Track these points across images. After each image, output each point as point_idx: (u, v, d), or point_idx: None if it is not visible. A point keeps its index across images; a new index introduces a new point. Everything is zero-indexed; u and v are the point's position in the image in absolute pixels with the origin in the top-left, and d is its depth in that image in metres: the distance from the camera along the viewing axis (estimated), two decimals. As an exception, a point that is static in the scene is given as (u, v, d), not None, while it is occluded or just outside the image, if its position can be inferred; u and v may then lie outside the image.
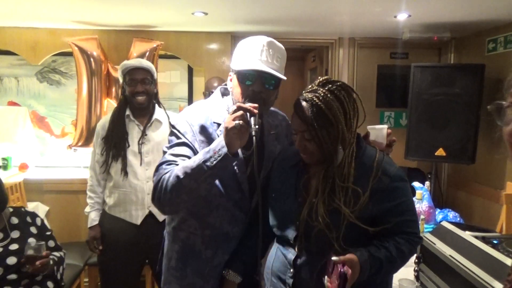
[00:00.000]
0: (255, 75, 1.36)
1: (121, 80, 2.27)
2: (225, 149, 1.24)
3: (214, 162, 1.26)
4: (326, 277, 1.26)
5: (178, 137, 1.41)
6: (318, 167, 1.39)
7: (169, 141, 1.43)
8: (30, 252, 1.88)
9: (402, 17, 2.88)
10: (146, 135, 2.23)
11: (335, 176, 1.30)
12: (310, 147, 1.32)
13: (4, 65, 3.47)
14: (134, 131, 2.25)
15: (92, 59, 3.15)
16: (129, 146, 2.22)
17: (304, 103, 1.30)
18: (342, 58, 3.71)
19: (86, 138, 3.20)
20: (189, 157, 1.36)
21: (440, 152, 3.04)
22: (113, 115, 2.28)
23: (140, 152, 2.22)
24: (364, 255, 1.24)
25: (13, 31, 3.34)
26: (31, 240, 1.96)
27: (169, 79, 3.54)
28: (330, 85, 1.30)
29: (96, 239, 2.27)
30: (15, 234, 1.98)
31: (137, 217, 2.23)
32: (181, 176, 1.28)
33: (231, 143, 1.26)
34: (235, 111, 1.26)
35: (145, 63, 2.26)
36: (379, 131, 1.51)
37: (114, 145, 2.21)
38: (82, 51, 3.13)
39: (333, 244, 1.26)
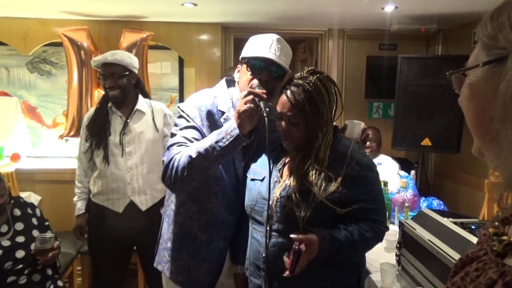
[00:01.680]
0: (263, 65, 1.45)
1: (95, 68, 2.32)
2: (237, 131, 1.32)
3: (226, 143, 1.33)
4: (285, 254, 1.33)
5: (187, 121, 1.48)
6: (295, 151, 1.46)
7: (177, 124, 1.50)
8: (41, 245, 1.93)
9: (389, 8, 2.92)
10: (127, 125, 2.27)
11: (311, 158, 1.38)
12: (295, 132, 1.39)
13: (-6, 56, 3.46)
14: (116, 121, 2.29)
15: (82, 50, 3.15)
16: (110, 134, 2.25)
17: (295, 88, 1.36)
18: (332, 49, 3.74)
19: (77, 128, 3.21)
20: (198, 140, 1.44)
21: (426, 142, 3.10)
22: (97, 105, 2.34)
23: (121, 143, 2.25)
24: (324, 234, 1.33)
25: (3, 21, 3.32)
26: (40, 234, 2.01)
27: (160, 70, 3.55)
28: (318, 75, 1.38)
29: (82, 227, 2.32)
30: (19, 226, 2.01)
31: (119, 206, 2.29)
32: (194, 156, 1.36)
33: (242, 125, 1.33)
34: (246, 96, 1.35)
35: (112, 57, 2.21)
36: (355, 126, 1.60)
37: (96, 134, 2.25)
38: (72, 41, 3.14)
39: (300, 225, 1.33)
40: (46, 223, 2.20)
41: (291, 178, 1.40)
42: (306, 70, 1.42)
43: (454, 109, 3.02)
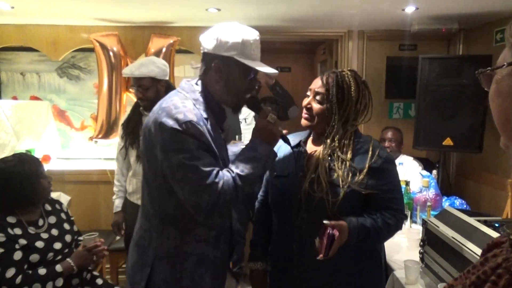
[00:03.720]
0: (255, 74, 1.42)
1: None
2: (274, 153, 1.42)
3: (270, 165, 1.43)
4: (317, 238, 1.40)
5: (200, 142, 1.27)
6: (317, 146, 1.57)
7: (187, 150, 1.24)
8: (90, 244, 2.05)
9: (410, 10, 2.94)
10: None
11: (336, 149, 1.48)
12: (315, 108, 1.53)
13: (26, 61, 3.62)
14: None
15: (112, 54, 3.28)
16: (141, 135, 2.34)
17: (331, 73, 1.52)
18: (352, 50, 3.77)
19: (106, 130, 3.34)
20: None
21: (448, 141, 3.11)
22: (131, 109, 2.46)
23: None
24: (354, 222, 1.42)
25: (34, 28, 3.47)
26: (86, 234, 2.12)
27: (183, 73, 3.65)
28: (356, 75, 1.54)
29: (119, 224, 2.42)
30: (51, 219, 2.12)
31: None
32: (247, 188, 1.34)
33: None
34: (274, 119, 1.39)
35: (138, 70, 2.27)
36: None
37: (130, 133, 2.35)
38: (103, 46, 3.26)
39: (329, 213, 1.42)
40: (72, 218, 2.32)
41: (317, 171, 1.48)
42: (348, 69, 1.57)
43: (476, 108, 3.03)
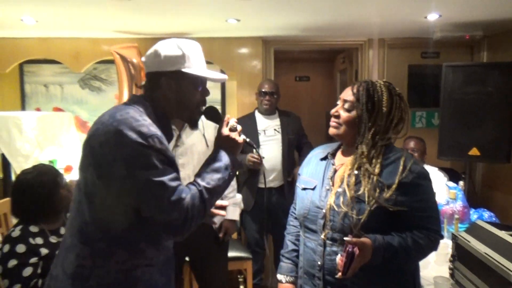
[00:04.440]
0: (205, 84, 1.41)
1: None
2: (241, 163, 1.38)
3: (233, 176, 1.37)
4: (339, 255, 1.34)
5: (165, 157, 1.21)
6: (346, 153, 1.52)
7: (154, 166, 1.17)
8: None
9: (432, 17, 2.89)
10: (180, 138, 2.35)
11: (363, 163, 1.41)
12: (343, 116, 1.48)
13: (49, 73, 3.70)
14: None
15: (132, 66, 3.31)
16: None
17: (362, 83, 1.47)
18: (372, 59, 3.73)
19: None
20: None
21: (474, 151, 3.01)
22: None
23: (174, 155, 2.32)
24: (379, 240, 1.34)
25: (57, 41, 3.55)
26: None
27: (203, 83, 3.66)
28: (390, 85, 1.48)
29: None
30: None
31: None
32: (211, 199, 1.29)
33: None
34: (234, 127, 1.37)
35: None
36: None
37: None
38: (123, 58, 3.30)
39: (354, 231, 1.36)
40: None
41: (344, 185, 1.43)
42: (383, 80, 1.51)
43: (503, 116, 2.93)
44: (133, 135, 1.15)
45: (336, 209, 1.41)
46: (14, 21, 2.93)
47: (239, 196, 2.52)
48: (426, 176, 1.44)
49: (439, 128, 3.20)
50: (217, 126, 2.42)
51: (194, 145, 2.33)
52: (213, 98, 3.69)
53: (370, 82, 1.47)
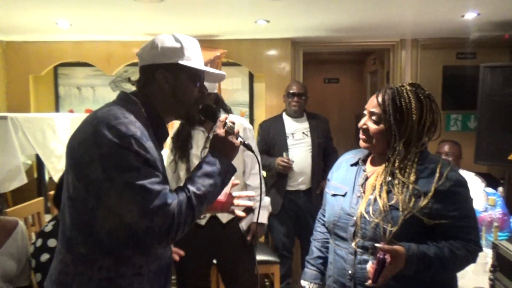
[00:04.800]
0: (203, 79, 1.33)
1: None
2: (234, 168, 1.27)
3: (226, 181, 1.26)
4: (370, 262, 1.30)
5: (146, 159, 1.11)
6: (377, 162, 1.46)
7: (133, 168, 1.07)
8: None
9: (470, 16, 2.77)
10: (209, 139, 2.34)
11: (397, 172, 1.36)
12: (372, 129, 1.42)
13: (82, 76, 3.79)
14: (199, 136, 2.36)
15: (161, 69, 3.35)
16: (191, 148, 2.32)
17: (387, 90, 1.41)
18: (405, 60, 3.62)
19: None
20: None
21: (514, 156, 2.87)
22: (181, 122, 2.42)
23: (202, 157, 2.32)
24: (413, 249, 1.28)
25: (89, 44, 3.64)
26: None
27: (231, 85, 3.66)
28: (417, 88, 1.40)
29: None
30: None
31: (202, 218, 2.32)
32: (201, 207, 1.19)
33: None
34: (232, 128, 1.25)
35: None
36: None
37: (179, 147, 2.34)
38: (153, 61, 3.34)
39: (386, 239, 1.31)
40: None
41: (376, 192, 1.38)
42: (409, 82, 1.44)
43: (546, 120, 2.78)
44: (109, 135, 1.07)
45: (367, 217, 1.37)
46: (49, 25, 3.02)
47: (267, 199, 2.49)
48: (463, 184, 1.37)
49: (476, 132, 3.06)
50: (245, 127, 2.44)
51: None
52: (241, 100, 3.68)
53: (395, 90, 1.39)
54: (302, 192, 3.05)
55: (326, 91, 5.48)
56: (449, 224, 1.31)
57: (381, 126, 1.39)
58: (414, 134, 1.37)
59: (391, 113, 1.36)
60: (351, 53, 5.10)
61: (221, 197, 1.42)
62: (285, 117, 3.17)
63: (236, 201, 1.49)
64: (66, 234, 1.18)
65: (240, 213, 1.50)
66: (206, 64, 3.23)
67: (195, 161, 2.32)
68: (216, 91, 2.29)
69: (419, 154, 1.39)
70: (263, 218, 2.44)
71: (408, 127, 1.36)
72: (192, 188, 1.16)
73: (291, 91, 3.10)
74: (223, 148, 1.24)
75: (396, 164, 1.37)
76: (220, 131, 1.25)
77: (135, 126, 1.11)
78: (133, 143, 1.08)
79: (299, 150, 3.06)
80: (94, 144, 1.08)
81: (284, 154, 2.94)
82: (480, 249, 1.39)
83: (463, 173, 2.98)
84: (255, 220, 2.39)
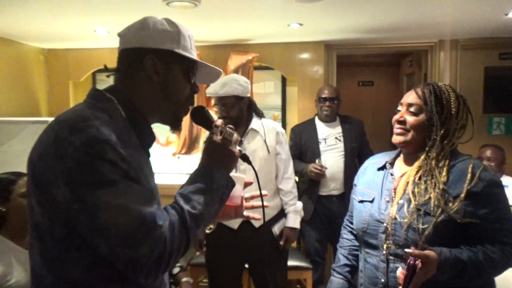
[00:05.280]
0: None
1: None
2: (232, 181, 1.06)
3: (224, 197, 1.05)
4: (400, 268, 1.27)
5: (125, 170, 0.87)
6: (407, 166, 1.43)
7: (108, 183, 0.84)
8: None
9: (515, 14, 2.64)
10: (242, 144, 2.33)
11: (432, 169, 1.33)
12: (410, 121, 1.39)
13: (119, 82, 3.90)
14: None
15: (194, 74, 3.39)
16: None
17: (427, 86, 1.41)
18: (443, 61, 3.49)
19: (188, 146, 3.45)
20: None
21: None
22: None
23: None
24: (445, 253, 1.25)
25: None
26: None
27: (263, 89, 3.66)
28: (454, 89, 1.41)
29: (200, 241, 2.42)
30: None
31: (235, 222, 2.32)
32: (196, 230, 0.96)
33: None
34: (231, 135, 1.06)
35: (222, 90, 2.24)
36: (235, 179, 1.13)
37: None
38: (186, 66, 3.39)
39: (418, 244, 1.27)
40: None
41: (407, 194, 1.34)
42: (443, 83, 1.45)
43: None
44: (76, 141, 0.84)
45: (399, 219, 1.33)
46: (88, 33, 3.12)
47: (299, 204, 2.46)
48: (498, 184, 1.33)
49: (522, 136, 2.90)
50: (278, 131, 2.42)
51: (256, 151, 2.32)
52: (274, 104, 3.66)
53: (435, 84, 1.40)
54: (335, 197, 3.01)
55: (360, 94, 5.37)
56: (484, 226, 1.28)
57: (421, 117, 1.37)
58: (451, 130, 1.35)
59: (433, 104, 1.35)
60: (386, 55, 4.98)
61: (235, 201, 1.25)
62: (318, 121, 3.13)
63: (250, 203, 1.32)
64: (35, 271, 0.95)
65: (255, 215, 1.32)
66: (237, 69, 3.28)
67: None
68: (221, 94, 2.25)
69: (450, 153, 1.36)
70: (296, 223, 2.41)
71: (447, 119, 1.35)
72: (186, 206, 0.93)
73: (322, 96, 3.06)
74: (221, 159, 1.04)
75: (433, 159, 1.34)
76: (217, 139, 1.05)
77: (109, 129, 0.88)
78: (107, 150, 0.85)
79: (332, 155, 3.01)
80: (57, 156, 0.85)
81: (317, 160, 2.90)
82: None
83: (507, 179, 2.84)
84: (287, 225, 2.38)
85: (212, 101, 2.46)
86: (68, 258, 0.90)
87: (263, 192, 1.24)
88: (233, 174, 1.13)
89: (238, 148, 1.09)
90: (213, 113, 3.35)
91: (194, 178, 1.01)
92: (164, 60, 1.01)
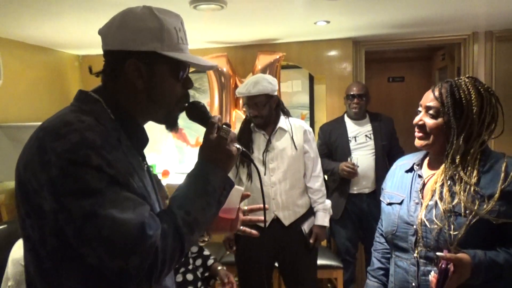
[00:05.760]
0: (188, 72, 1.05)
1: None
2: (231, 181, 1.01)
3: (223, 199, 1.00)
4: (432, 272, 1.23)
5: (113, 176, 0.83)
6: (435, 168, 1.39)
7: (94, 191, 0.81)
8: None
9: (554, 2, 2.51)
10: (270, 143, 2.35)
11: (459, 169, 1.29)
12: (429, 124, 1.35)
13: (150, 84, 3.99)
14: (260, 139, 2.38)
15: (222, 75, 3.43)
16: (253, 152, 2.35)
17: (444, 84, 1.35)
18: (478, 54, 3.37)
19: (218, 146, 3.50)
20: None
21: None
22: (241, 127, 2.47)
23: (265, 160, 2.33)
24: (480, 256, 1.20)
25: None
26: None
27: (291, 88, 3.65)
28: (476, 81, 1.34)
29: (230, 240, 2.45)
30: None
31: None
32: (191, 236, 0.92)
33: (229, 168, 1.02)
34: (227, 132, 1.00)
35: (255, 89, 2.27)
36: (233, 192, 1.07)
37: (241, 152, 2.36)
38: (214, 68, 3.44)
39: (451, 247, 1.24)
40: None
41: (435, 198, 1.31)
42: (466, 75, 1.39)
43: None
44: (58, 148, 0.81)
45: (428, 225, 1.30)
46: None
47: (328, 202, 2.45)
48: None
49: None
50: (305, 130, 2.42)
51: (284, 149, 2.33)
52: (302, 102, 3.65)
53: (453, 82, 1.33)
54: (365, 195, 2.97)
55: (390, 91, 5.26)
56: None
57: (440, 120, 1.32)
58: (475, 129, 1.29)
59: (450, 106, 1.29)
60: (417, 50, 4.85)
61: (230, 214, 1.18)
62: (347, 119, 3.10)
63: (248, 217, 1.28)
64: (31, 284, 0.93)
65: (252, 231, 1.27)
66: (264, 69, 3.29)
67: (257, 165, 2.35)
68: (254, 92, 2.26)
69: (481, 152, 1.31)
70: (325, 221, 2.41)
71: (468, 120, 1.28)
72: (179, 212, 0.89)
73: (351, 93, 3.03)
74: (217, 158, 0.97)
75: (457, 162, 1.29)
76: (213, 136, 0.99)
77: (94, 132, 0.84)
78: (91, 155, 0.81)
79: (362, 153, 2.98)
80: (41, 164, 0.82)
81: (349, 159, 2.87)
82: None
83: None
84: (317, 223, 2.38)
85: (241, 102, 2.48)
86: (62, 269, 0.87)
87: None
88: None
89: (237, 146, 1.02)
90: (242, 113, 3.38)
91: (189, 179, 0.95)
92: (148, 62, 0.94)
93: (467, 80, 1.33)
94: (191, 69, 1.08)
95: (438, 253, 1.22)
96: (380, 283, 1.57)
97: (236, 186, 1.11)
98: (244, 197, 1.23)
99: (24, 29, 2.78)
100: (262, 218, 1.24)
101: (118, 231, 0.80)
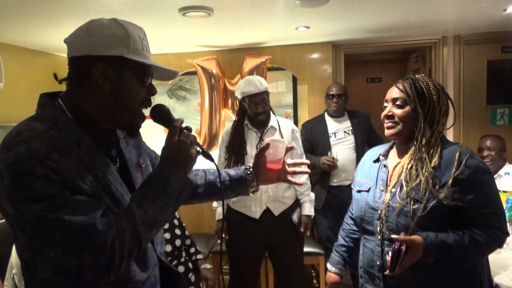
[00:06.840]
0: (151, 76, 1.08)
1: (239, 97, 2.51)
2: (191, 182, 1.05)
3: (184, 200, 1.04)
4: (389, 253, 1.34)
5: (61, 181, 0.88)
6: (400, 157, 1.52)
7: (43, 198, 0.87)
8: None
9: None
10: (263, 140, 2.51)
11: (423, 156, 1.40)
12: (398, 113, 1.47)
13: (142, 86, 4.16)
14: (252, 137, 2.54)
15: (212, 77, 3.64)
16: (247, 153, 2.50)
17: (406, 80, 1.50)
18: (447, 56, 3.63)
19: (209, 143, 3.71)
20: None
21: (562, 148, 2.82)
22: (234, 125, 2.59)
23: None
24: (431, 238, 1.30)
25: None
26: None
27: (276, 89, 3.87)
28: (430, 78, 1.50)
29: (222, 229, 2.64)
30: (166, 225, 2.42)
31: (256, 212, 2.51)
32: (147, 236, 0.98)
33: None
34: (187, 136, 1.03)
35: (263, 85, 2.43)
36: (279, 147, 1.25)
37: (235, 153, 2.52)
38: (204, 70, 3.64)
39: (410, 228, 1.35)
40: (183, 225, 2.59)
41: (399, 184, 1.44)
42: (420, 74, 1.54)
43: None
44: (8, 159, 0.87)
45: (392, 205, 1.43)
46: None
47: (312, 194, 2.67)
48: (484, 170, 1.38)
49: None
50: (293, 129, 2.60)
51: None
52: (286, 102, 3.88)
53: (413, 77, 1.50)
54: (345, 187, 3.17)
55: (369, 91, 5.51)
56: (471, 211, 1.33)
57: (407, 108, 1.46)
58: (436, 114, 1.45)
59: (414, 95, 1.45)
60: (393, 53, 5.11)
61: (277, 164, 1.27)
62: (327, 117, 3.33)
63: (292, 169, 1.35)
64: (24, 275, 1.03)
65: (297, 180, 1.38)
66: (252, 71, 3.50)
67: (250, 160, 2.45)
68: (262, 89, 2.41)
69: (440, 141, 1.45)
70: (311, 211, 2.60)
71: (431, 106, 1.44)
72: (138, 211, 0.94)
73: (330, 93, 3.26)
74: (177, 160, 1.01)
75: (423, 149, 1.42)
76: (174, 140, 1.02)
77: (41, 141, 0.88)
78: (35, 166, 0.86)
79: (342, 148, 3.21)
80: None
81: (329, 153, 3.09)
82: (506, 235, 1.40)
83: (510, 167, 2.98)
84: (304, 213, 2.57)
85: (233, 102, 2.57)
86: (36, 261, 0.96)
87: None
88: (273, 139, 1.26)
89: (197, 148, 1.06)
90: (231, 112, 3.54)
91: (149, 180, 1.00)
92: (115, 66, 0.97)
93: (423, 75, 1.49)
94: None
95: (393, 236, 1.35)
96: (341, 258, 1.77)
97: (280, 139, 1.28)
98: (288, 149, 1.32)
99: (24, 35, 2.93)
100: (305, 170, 1.44)
101: (67, 233, 0.86)
